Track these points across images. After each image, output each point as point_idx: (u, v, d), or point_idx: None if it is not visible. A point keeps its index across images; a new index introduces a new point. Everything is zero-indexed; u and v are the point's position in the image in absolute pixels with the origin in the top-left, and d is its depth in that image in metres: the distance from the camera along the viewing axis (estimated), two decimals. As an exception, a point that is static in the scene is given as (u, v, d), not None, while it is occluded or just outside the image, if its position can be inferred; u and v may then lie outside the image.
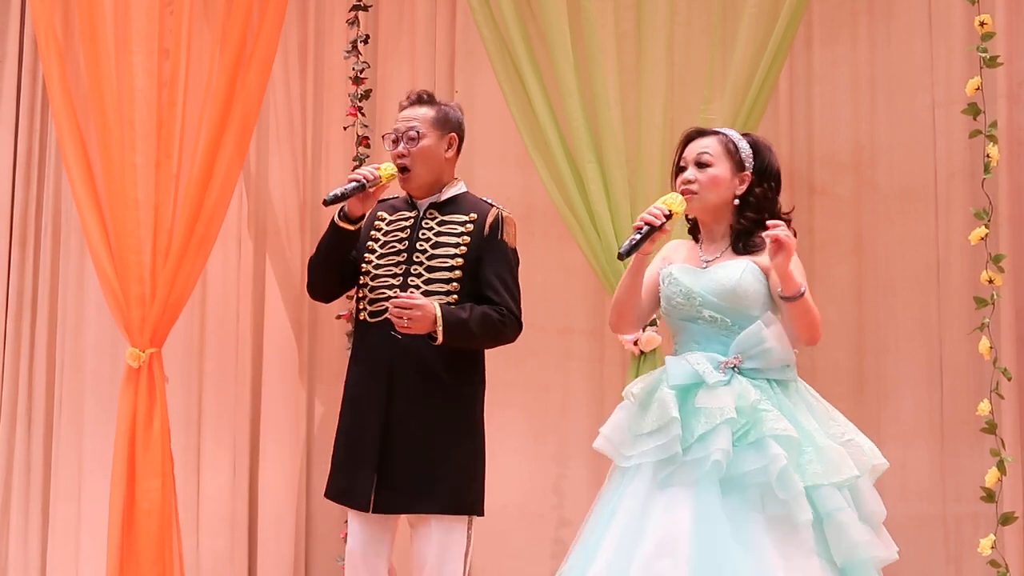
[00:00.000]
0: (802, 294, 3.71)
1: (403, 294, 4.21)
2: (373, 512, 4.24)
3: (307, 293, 4.56)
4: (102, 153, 5.95)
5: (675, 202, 3.87)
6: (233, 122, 5.95)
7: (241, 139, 5.96)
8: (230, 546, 6.33)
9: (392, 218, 4.43)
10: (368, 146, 6.37)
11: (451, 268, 4.31)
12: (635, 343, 5.32)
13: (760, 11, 5.41)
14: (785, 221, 3.86)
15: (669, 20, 5.51)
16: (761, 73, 5.39)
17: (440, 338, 4.17)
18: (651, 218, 3.80)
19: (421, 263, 4.32)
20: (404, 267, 4.33)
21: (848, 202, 5.93)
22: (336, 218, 4.33)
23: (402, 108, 4.46)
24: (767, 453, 3.60)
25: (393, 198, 4.50)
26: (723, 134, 3.98)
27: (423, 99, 4.45)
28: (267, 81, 6.09)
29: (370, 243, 4.41)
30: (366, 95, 6.36)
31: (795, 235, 3.85)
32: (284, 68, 6.52)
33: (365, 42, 6.39)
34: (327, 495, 4.40)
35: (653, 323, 5.27)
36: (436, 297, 4.26)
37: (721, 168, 3.92)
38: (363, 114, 6.35)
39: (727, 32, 5.53)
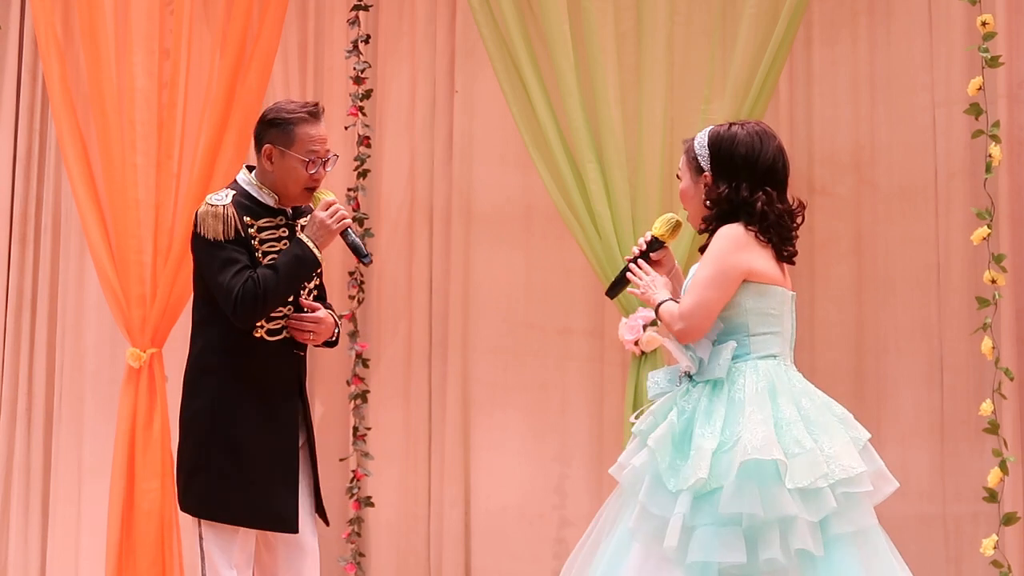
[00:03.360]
0: (658, 306, 3.75)
1: (307, 313, 4.13)
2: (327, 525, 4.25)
3: (245, 323, 4.08)
4: (102, 153, 5.95)
5: (659, 225, 3.87)
6: (233, 123, 5.95)
7: (241, 139, 5.96)
8: (230, 546, 6.32)
9: (261, 224, 4.13)
10: (369, 146, 6.37)
11: (319, 275, 4.28)
12: (635, 343, 5.32)
13: (760, 11, 5.41)
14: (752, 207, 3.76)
15: (669, 20, 5.52)
16: (761, 73, 5.39)
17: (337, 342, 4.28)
18: (634, 251, 3.87)
19: None
20: None
21: (848, 202, 5.93)
22: (316, 250, 4.07)
23: (312, 122, 4.12)
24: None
25: (246, 196, 4.15)
26: (690, 142, 3.85)
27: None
28: (267, 82, 6.09)
29: (259, 255, 4.11)
30: (367, 95, 6.35)
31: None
32: (284, 68, 6.52)
33: (366, 42, 6.39)
34: (255, 524, 4.08)
35: (654, 323, 5.27)
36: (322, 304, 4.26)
37: (684, 180, 3.84)
38: (364, 114, 6.35)
39: (727, 32, 5.53)
